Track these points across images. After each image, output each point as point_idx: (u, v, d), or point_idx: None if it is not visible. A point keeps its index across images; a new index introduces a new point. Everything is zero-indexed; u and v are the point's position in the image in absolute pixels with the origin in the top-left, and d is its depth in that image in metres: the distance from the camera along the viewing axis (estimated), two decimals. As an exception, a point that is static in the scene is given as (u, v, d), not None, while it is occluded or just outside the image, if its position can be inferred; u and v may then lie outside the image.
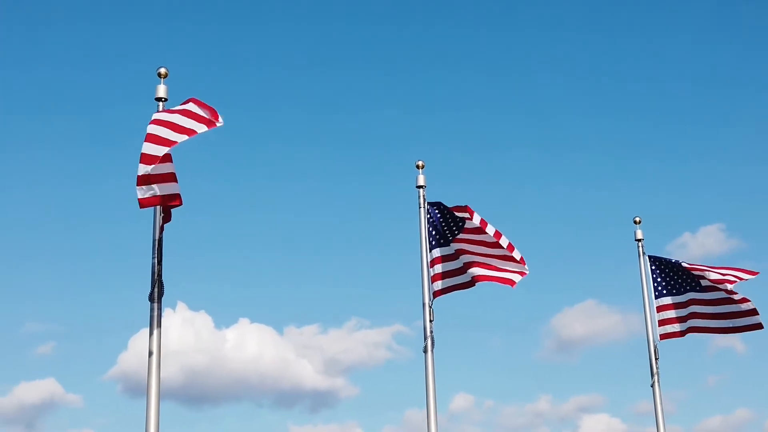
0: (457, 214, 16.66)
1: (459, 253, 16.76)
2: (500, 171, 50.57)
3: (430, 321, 16.19)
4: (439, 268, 16.73)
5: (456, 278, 16.78)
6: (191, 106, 12.48)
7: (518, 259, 16.45)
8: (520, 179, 50.98)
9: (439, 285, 16.64)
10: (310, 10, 53.43)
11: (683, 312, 19.11)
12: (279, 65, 52.21)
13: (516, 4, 54.32)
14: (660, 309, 19.31)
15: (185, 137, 11.90)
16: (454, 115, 52.33)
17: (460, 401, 43.78)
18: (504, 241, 16.43)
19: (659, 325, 19.26)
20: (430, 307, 16.32)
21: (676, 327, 19.11)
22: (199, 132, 12.01)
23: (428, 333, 16.07)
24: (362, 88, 52.83)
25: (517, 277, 16.58)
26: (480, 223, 16.45)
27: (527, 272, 16.61)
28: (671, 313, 19.18)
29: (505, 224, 16.61)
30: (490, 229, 16.43)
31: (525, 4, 54.23)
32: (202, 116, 12.24)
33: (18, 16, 49.28)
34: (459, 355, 40.86)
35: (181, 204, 12.32)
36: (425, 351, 16.00)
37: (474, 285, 16.81)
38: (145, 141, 11.84)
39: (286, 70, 52.10)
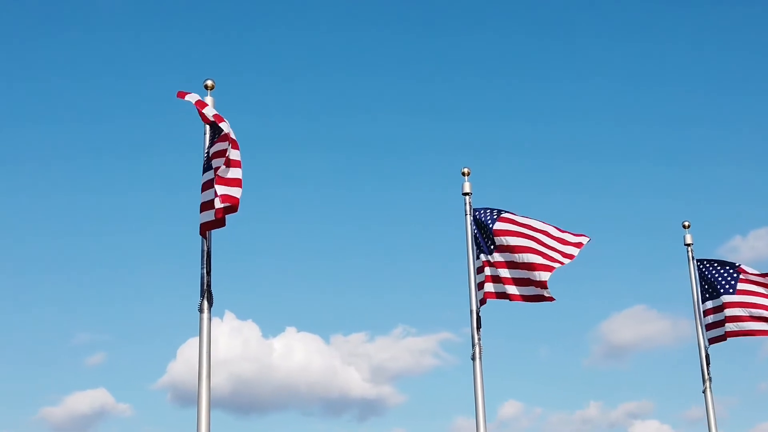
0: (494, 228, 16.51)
1: (497, 266, 16.59)
2: (546, 177, 50.28)
3: (478, 328, 16.13)
4: (484, 275, 16.63)
5: (498, 286, 16.64)
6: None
7: (574, 241, 16.25)
8: (567, 186, 50.65)
9: (484, 292, 16.53)
10: (351, 18, 53.63)
11: (720, 316, 19.03)
12: (324, 73, 52.43)
13: (562, 9, 54.03)
14: (706, 313, 19.21)
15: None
16: (500, 122, 52.16)
17: (509, 408, 43.60)
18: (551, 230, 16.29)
19: (706, 330, 19.13)
20: (478, 314, 16.25)
21: (719, 331, 18.98)
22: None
23: (476, 340, 16.01)
24: (407, 96, 52.90)
25: (574, 250, 16.37)
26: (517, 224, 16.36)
27: (587, 239, 16.40)
28: (712, 318, 19.10)
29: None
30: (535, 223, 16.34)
31: (573, 9, 53.91)
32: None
33: (69, 25, 50.03)
34: (507, 362, 40.70)
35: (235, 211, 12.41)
36: (473, 358, 15.93)
37: (511, 300, 16.62)
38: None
39: (331, 78, 52.32)
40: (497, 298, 16.55)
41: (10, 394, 40.11)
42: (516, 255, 16.31)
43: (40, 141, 48.51)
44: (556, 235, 16.43)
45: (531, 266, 16.21)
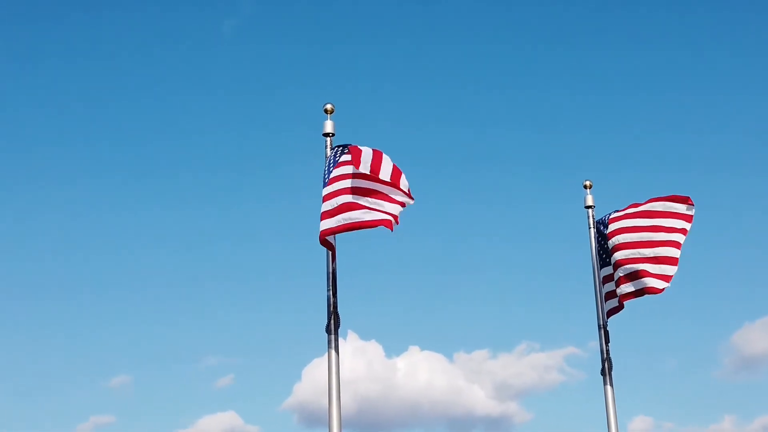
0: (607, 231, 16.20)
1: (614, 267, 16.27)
2: (669, 188, 49.04)
3: (606, 342, 15.85)
4: (607, 288, 16.33)
5: (614, 300, 16.29)
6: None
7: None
8: (690, 194, 49.22)
9: (610, 307, 16.23)
10: (462, 31, 53.60)
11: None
12: (439, 85, 52.37)
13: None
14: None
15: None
16: (618, 132, 51.19)
17: (639, 424, 42.52)
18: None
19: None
20: (605, 328, 15.98)
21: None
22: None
23: (605, 355, 15.73)
24: (523, 108, 52.49)
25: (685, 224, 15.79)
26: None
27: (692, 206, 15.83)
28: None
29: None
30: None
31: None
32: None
33: (190, 43, 51.53)
34: (635, 376, 39.75)
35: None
36: (603, 374, 15.64)
37: (623, 307, 16.22)
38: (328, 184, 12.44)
39: (446, 90, 52.23)
40: (621, 308, 16.20)
41: (144, 417, 41.28)
42: (620, 252, 15.93)
43: (170, 153, 49.68)
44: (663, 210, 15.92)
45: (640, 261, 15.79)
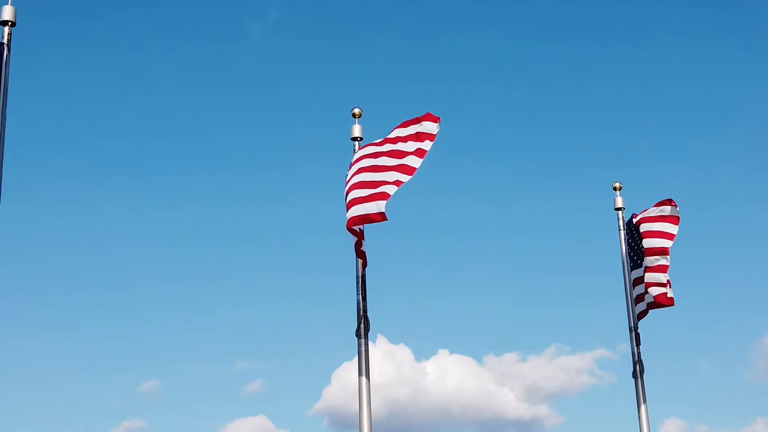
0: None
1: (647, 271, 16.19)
2: (702, 187, 48.55)
3: (638, 344, 15.78)
4: (642, 289, 16.23)
5: (649, 296, 16.19)
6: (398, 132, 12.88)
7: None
8: (723, 196, 48.87)
9: (641, 309, 16.14)
10: (496, 31, 53.54)
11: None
12: (471, 84, 52.19)
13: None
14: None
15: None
16: (647, 130, 50.82)
17: (671, 427, 42.17)
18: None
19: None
20: (636, 330, 15.90)
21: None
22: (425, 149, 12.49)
23: (637, 358, 15.65)
24: (558, 106, 52.19)
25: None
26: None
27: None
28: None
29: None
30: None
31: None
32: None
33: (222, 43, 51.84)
34: (666, 379, 39.47)
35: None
36: (635, 376, 15.57)
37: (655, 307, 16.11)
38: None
39: (476, 89, 52.05)
40: (651, 308, 16.08)
41: (175, 422, 41.52)
42: (650, 258, 15.86)
43: (207, 153, 49.82)
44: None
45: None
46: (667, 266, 15.49)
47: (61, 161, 47.17)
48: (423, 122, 12.85)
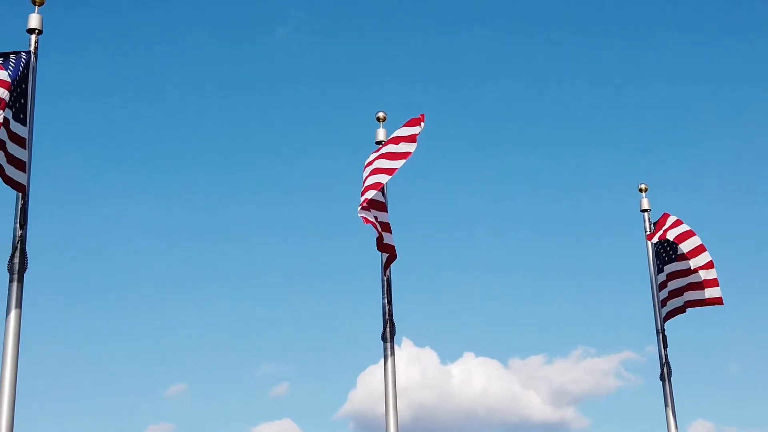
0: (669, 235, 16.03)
1: (670, 277, 16.10)
2: (730, 187, 48.10)
3: (665, 347, 15.70)
4: (667, 291, 16.15)
5: (675, 301, 16.08)
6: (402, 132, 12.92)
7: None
8: (749, 196, 48.42)
9: (667, 310, 16.05)
10: (520, 30, 53.42)
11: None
12: (496, 84, 52.11)
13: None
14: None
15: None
16: (676, 130, 50.39)
17: (699, 429, 41.84)
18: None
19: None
20: (663, 332, 15.82)
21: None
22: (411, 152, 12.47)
23: (664, 360, 15.57)
24: (581, 104, 51.96)
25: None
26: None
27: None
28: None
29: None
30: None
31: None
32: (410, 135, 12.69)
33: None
34: (694, 380, 39.18)
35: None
36: (662, 379, 15.50)
37: (685, 311, 16.00)
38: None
39: (501, 89, 51.92)
40: (679, 312, 16.00)
41: (201, 426, 41.69)
42: (690, 260, 15.75)
43: (231, 153, 50.03)
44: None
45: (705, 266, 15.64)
46: (713, 263, 15.47)
47: (101, 157, 47.56)
48: (421, 123, 12.84)
